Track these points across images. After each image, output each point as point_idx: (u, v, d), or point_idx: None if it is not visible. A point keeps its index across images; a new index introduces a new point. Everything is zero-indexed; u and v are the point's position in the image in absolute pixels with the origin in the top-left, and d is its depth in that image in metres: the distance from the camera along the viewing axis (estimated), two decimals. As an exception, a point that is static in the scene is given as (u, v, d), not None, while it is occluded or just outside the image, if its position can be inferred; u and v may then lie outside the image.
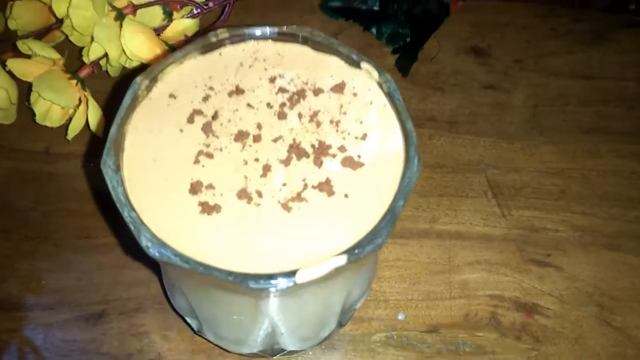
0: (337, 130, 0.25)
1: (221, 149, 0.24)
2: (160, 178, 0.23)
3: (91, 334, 0.36)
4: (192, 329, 0.34)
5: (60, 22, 0.41)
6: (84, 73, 0.41)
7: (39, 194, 0.41)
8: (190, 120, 0.25)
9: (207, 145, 0.24)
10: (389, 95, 0.26)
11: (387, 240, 0.22)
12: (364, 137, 0.25)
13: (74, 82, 0.40)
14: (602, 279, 0.40)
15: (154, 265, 0.37)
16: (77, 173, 0.42)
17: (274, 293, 0.22)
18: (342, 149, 0.24)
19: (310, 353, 0.35)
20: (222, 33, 0.27)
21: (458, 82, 0.49)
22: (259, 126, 0.25)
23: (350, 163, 0.24)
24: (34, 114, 0.40)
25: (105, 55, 0.41)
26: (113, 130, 0.24)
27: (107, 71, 0.44)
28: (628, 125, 0.48)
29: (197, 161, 0.24)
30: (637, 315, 0.39)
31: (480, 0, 0.54)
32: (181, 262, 0.20)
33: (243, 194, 0.23)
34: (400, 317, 0.38)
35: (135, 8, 0.41)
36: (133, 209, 0.22)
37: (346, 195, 0.23)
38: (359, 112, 0.26)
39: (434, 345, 0.37)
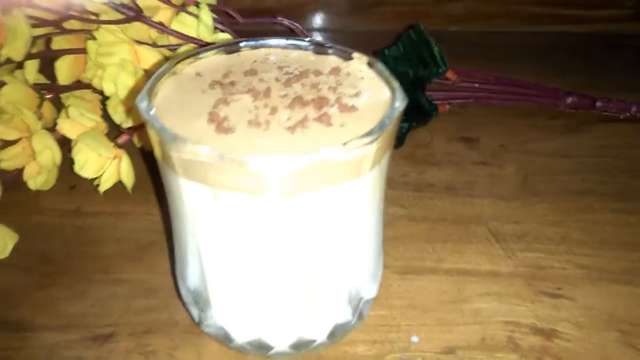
0: (334, 92, 0.30)
1: (236, 100, 0.29)
2: (184, 114, 0.28)
3: (97, 352, 0.35)
4: (196, 323, 0.33)
5: (105, 99, 0.49)
6: (121, 139, 0.47)
7: (64, 241, 0.44)
8: (212, 86, 0.30)
9: (225, 98, 0.29)
10: (378, 71, 0.31)
11: (376, 141, 0.25)
12: (357, 94, 0.30)
13: (112, 143, 0.46)
14: (617, 308, 0.40)
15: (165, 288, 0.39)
16: (104, 226, 0.46)
17: (280, 182, 0.24)
18: (338, 101, 0.29)
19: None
20: (241, 41, 0.33)
21: (452, 160, 0.55)
22: (269, 89, 0.30)
23: (346, 108, 0.28)
24: (72, 164, 0.45)
25: (143, 125, 0.48)
26: (150, 81, 0.29)
27: (140, 148, 0.50)
28: (615, 188, 0.51)
29: (215, 106, 0.28)
30: (662, 338, 0.37)
31: (464, 106, 0.62)
32: (202, 150, 0.24)
33: (253, 123, 0.27)
34: (414, 339, 0.37)
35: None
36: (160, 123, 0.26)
37: (342, 125, 0.27)
38: (352, 83, 0.31)
39: (452, 365, 0.35)
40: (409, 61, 0.53)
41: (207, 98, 0.29)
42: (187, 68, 0.31)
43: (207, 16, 0.47)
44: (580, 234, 0.46)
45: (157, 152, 0.27)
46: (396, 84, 0.29)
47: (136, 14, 0.48)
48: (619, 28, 0.82)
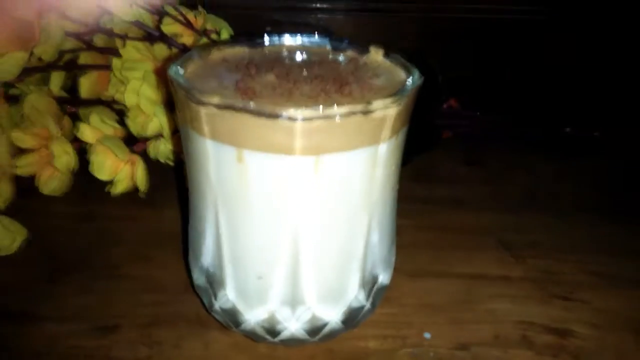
0: (353, 75, 0.31)
1: (261, 77, 0.30)
2: (211, 85, 0.29)
3: (100, 342, 0.35)
4: (207, 309, 0.33)
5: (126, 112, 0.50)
6: (137, 147, 0.48)
7: (73, 241, 0.44)
8: (238, 68, 0.32)
9: (250, 75, 0.30)
10: (394, 60, 0.33)
11: (396, 102, 0.26)
12: (375, 76, 0.31)
13: (128, 149, 0.47)
14: (634, 310, 0.39)
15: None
16: (114, 228, 0.46)
17: (306, 137, 0.25)
18: (357, 80, 0.30)
19: None
20: (264, 38, 0.36)
21: (457, 180, 0.56)
22: (291, 70, 0.31)
23: (366, 84, 0.30)
24: (85, 174, 0.46)
25: (160, 135, 0.49)
26: (180, 59, 0.30)
27: (156, 160, 0.51)
28: (622, 205, 0.52)
29: (241, 79, 0.30)
30: (682, 340, 0.37)
31: (466, 135, 0.63)
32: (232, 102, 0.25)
33: (278, 92, 0.28)
34: (427, 336, 0.36)
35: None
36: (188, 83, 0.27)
37: (363, 97, 0.28)
38: (370, 69, 0.33)
39: (466, 360, 0.35)
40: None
41: (233, 75, 0.30)
42: (214, 54, 0.33)
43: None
44: (590, 244, 0.46)
45: (184, 118, 0.29)
46: (413, 68, 0.31)
47: (160, 35, 0.51)
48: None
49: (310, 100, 0.27)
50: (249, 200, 0.28)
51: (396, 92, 0.27)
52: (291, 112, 0.24)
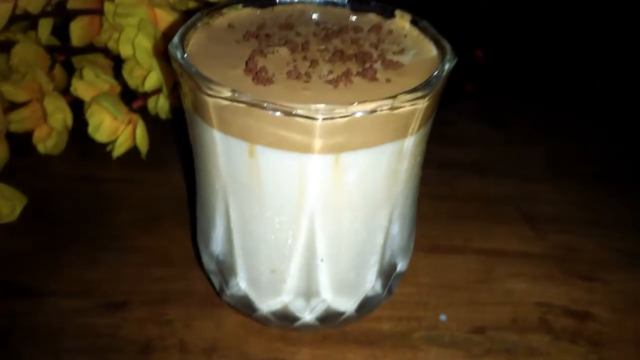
0: (376, 48, 0.28)
1: (273, 52, 0.27)
2: (219, 63, 0.26)
3: (110, 320, 0.34)
4: (218, 293, 0.32)
5: (118, 65, 0.47)
6: (136, 104, 0.45)
7: (75, 207, 0.42)
8: (246, 38, 0.28)
9: (261, 50, 0.27)
10: (423, 29, 0.29)
11: (426, 95, 0.23)
12: (401, 51, 0.28)
13: (126, 107, 0.44)
14: (656, 292, 0.38)
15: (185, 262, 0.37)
16: (116, 193, 0.44)
17: (325, 137, 0.22)
18: (382, 57, 0.27)
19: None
20: (277, -1, 0.31)
21: (477, 141, 0.53)
22: (307, 42, 0.28)
23: (391, 64, 0.26)
24: (83, 130, 0.43)
25: (159, 91, 0.46)
26: (182, 29, 0.27)
27: (157, 115, 0.48)
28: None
29: (251, 57, 0.26)
30: None
31: (491, 88, 0.59)
32: (245, 97, 0.22)
33: (292, 74, 0.25)
34: (442, 318, 0.35)
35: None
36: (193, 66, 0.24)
37: (388, 80, 0.25)
38: (395, 40, 0.29)
39: (483, 345, 0.34)
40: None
41: (241, 49, 0.27)
42: (219, 19, 0.29)
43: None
44: (614, 217, 0.44)
45: (189, 103, 0.25)
46: (445, 42, 0.27)
47: (156, -26, 0.46)
48: None
49: (331, 87, 0.24)
50: (261, 196, 0.25)
51: (427, 82, 0.24)
52: (311, 110, 0.21)
